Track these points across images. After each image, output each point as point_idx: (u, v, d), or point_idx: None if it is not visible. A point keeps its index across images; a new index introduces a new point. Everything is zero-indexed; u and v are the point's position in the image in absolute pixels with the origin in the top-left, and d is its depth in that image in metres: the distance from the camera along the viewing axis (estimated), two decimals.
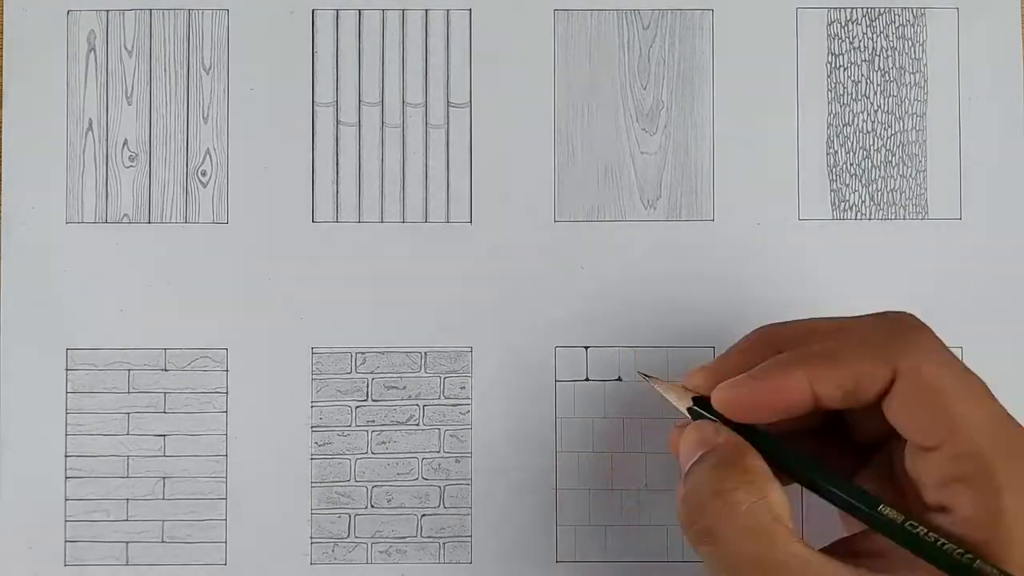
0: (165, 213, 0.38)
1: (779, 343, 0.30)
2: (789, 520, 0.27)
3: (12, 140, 0.38)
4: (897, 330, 0.29)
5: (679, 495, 0.29)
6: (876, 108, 0.39)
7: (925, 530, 0.27)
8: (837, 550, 0.29)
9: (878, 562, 0.28)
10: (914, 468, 0.28)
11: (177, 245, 0.38)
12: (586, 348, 0.38)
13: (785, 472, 0.29)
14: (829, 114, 0.39)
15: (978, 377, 0.28)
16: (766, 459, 0.29)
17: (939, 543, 0.26)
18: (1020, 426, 0.28)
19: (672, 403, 0.31)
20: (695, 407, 0.30)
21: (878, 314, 0.30)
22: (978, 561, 0.26)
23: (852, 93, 0.39)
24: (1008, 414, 0.28)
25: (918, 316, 0.29)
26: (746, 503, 0.27)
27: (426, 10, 0.39)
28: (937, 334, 0.29)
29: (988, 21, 0.39)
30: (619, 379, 0.38)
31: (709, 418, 0.30)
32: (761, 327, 0.31)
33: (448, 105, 0.39)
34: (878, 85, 0.39)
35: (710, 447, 0.29)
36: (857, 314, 0.30)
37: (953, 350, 0.37)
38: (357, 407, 0.38)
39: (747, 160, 0.38)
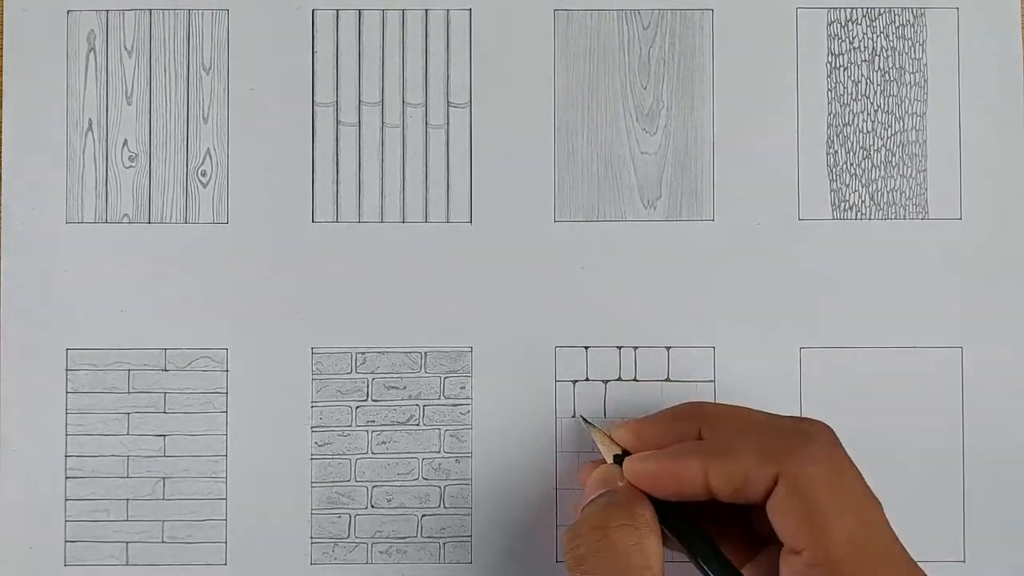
0: (165, 213, 0.38)
1: (700, 422, 0.32)
2: (659, 572, 0.29)
3: (12, 140, 0.38)
4: (792, 437, 0.30)
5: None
6: (876, 108, 0.39)
7: None
8: None
9: None
10: (782, 566, 0.30)
11: (177, 245, 0.38)
12: (586, 348, 0.38)
13: (677, 539, 0.32)
14: (829, 114, 0.39)
15: (863, 494, 0.30)
16: (664, 523, 0.31)
17: None
18: (888, 546, 0.29)
19: (603, 454, 0.34)
20: (615, 460, 0.33)
21: (790, 418, 0.32)
22: None
23: (852, 93, 0.39)
24: (880, 536, 0.29)
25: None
26: (623, 544, 0.30)
27: (426, 10, 0.39)
28: (838, 445, 0.31)
29: (988, 21, 0.39)
30: (619, 379, 0.38)
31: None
32: (691, 402, 0.34)
33: (448, 105, 0.39)
34: (878, 85, 0.39)
35: (610, 488, 0.32)
36: (783, 414, 0.33)
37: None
38: (357, 407, 0.38)
39: (747, 160, 0.38)
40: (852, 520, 0.29)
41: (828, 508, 0.29)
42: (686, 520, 0.32)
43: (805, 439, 0.30)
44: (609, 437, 0.34)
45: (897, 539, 0.30)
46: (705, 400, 0.35)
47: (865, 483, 0.30)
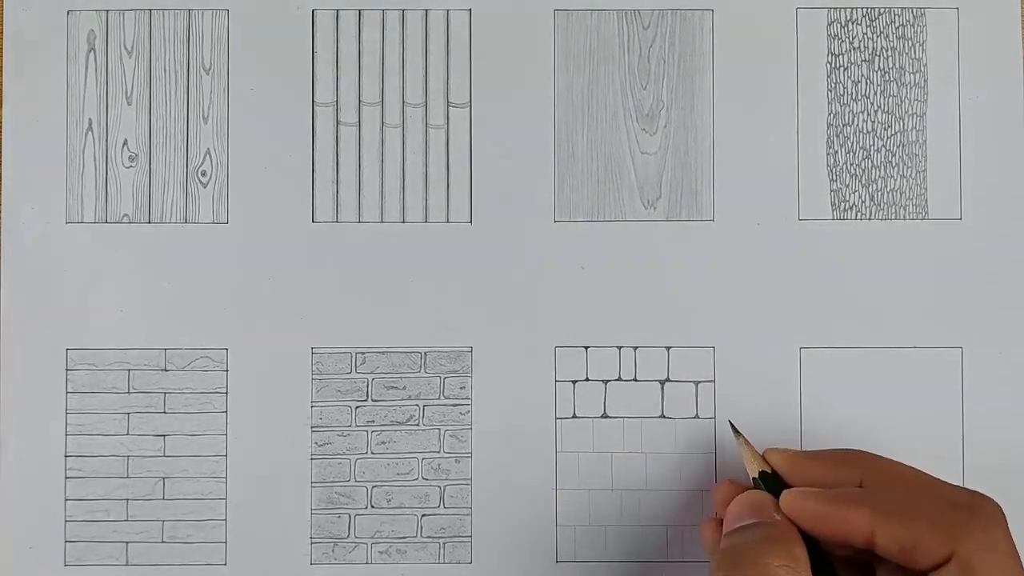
0: (165, 213, 0.38)
1: (862, 471, 0.32)
2: None
3: (12, 140, 0.38)
4: (972, 514, 0.30)
5: (718, 545, 0.31)
6: (876, 108, 0.39)
7: None
8: None
9: None
10: None
11: (177, 245, 0.38)
12: (586, 348, 0.38)
13: None
14: (829, 114, 0.39)
15: None
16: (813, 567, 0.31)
17: None
18: None
19: (745, 465, 0.34)
20: (760, 478, 0.33)
21: (963, 490, 0.31)
22: None
23: (852, 93, 0.39)
24: None
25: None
26: None
27: (426, 10, 0.39)
28: (1007, 526, 0.30)
29: (988, 21, 0.39)
30: (619, 379, 0.38)
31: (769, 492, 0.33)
32: (854, 450, 0.34)
33: (448, 105, 0.39)
34: (878, 85, 0.39)
35: (765, 519, 0.31)
36: (945, 480, 0.32)
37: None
38: (357, 407, 0.38)
39: (747, 160, 0.38)
40: None
41: None
42: (831, 565, 0.31)
43: (984, 520, 0.30)
44: (760, 456, 0.34)
45: None
46: (868, 451, 0.34)
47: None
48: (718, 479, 0.37)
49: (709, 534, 0.34)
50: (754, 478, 0.33)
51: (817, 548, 0.31)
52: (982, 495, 0.31)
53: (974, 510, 0.30)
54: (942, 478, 0.31)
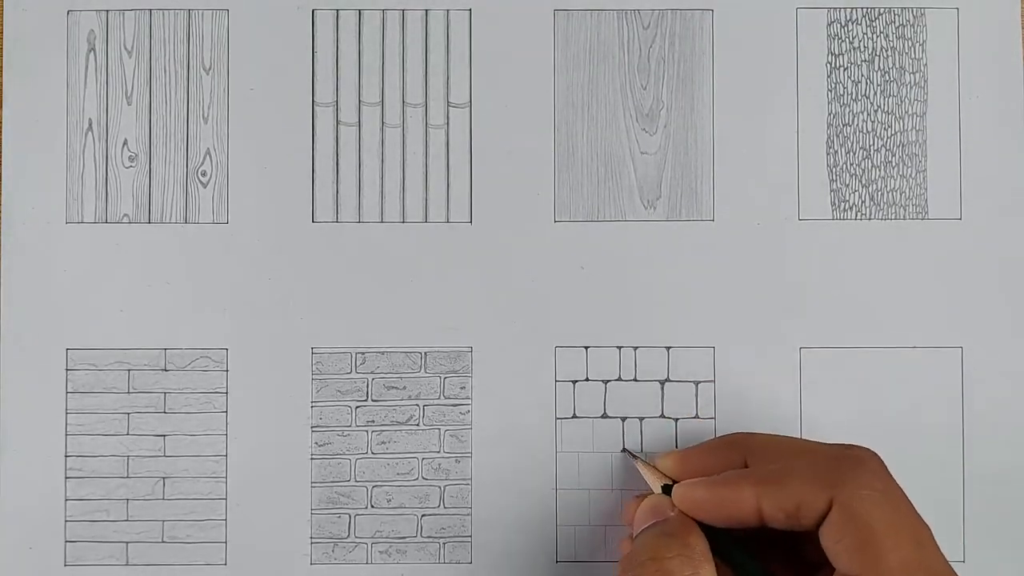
0: (165, 213, 0.38)
1: (745, 452, 0.33)
2: None
3: (12, 140, 0.38)
4: (844, 462, 0.30)
5: (622, 553, 0.32)
6: (876, 108, 0.39)
7: None
8: None
9: None
10: None
11: (177, 245, 0.38)
12: (586, 348, 0.38)
13: (730, 568, 0.32)
14: (829, 114, 0.39)
15: (916, 518, 0.30)
16: (716, 553, 0.31)
17: None
18: (941, 568, 0.29)
19: (651, 485, 0.34)
20: (663, 490, 0.33)
21: (838, 445, 0.32)
22: None
23: (852, 93, 0.39)
24: (933, 561, 0.29)
25: (875, 449, 0.31)
26: (679, 574, 0.29)
27: (426, 10, 0.39)
28: (886, 470, 0.31)
29: (988, 21, 0.39)
30: (619, 379, 0.38)
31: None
32: (734, 433, 0.35)
33: (448, 105, 0.39)
34: (878, 85, 0.39)
35: (661, 518, 0.32)
36: (819, 440, 0.33)
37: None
38: (357, 407, 0.38)
39: (747, 160, 0.38)
40: (906, 544, 0.29)
41: (882, 533, 0.29)
42: (738, 548, 0.32)
43: (856, 465, 0.30)
44: (655, 468, 0.35)
45: (947, 562, 0.29)
46: (749, 431, 0.35)
47: (914, 507, 0.30)
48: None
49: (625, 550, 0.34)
50: (662, 488, 0.34)
51: (737, 540, 0.32)
52: (855, 445, 0.32)
53: (845, 459, 0.31)
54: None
